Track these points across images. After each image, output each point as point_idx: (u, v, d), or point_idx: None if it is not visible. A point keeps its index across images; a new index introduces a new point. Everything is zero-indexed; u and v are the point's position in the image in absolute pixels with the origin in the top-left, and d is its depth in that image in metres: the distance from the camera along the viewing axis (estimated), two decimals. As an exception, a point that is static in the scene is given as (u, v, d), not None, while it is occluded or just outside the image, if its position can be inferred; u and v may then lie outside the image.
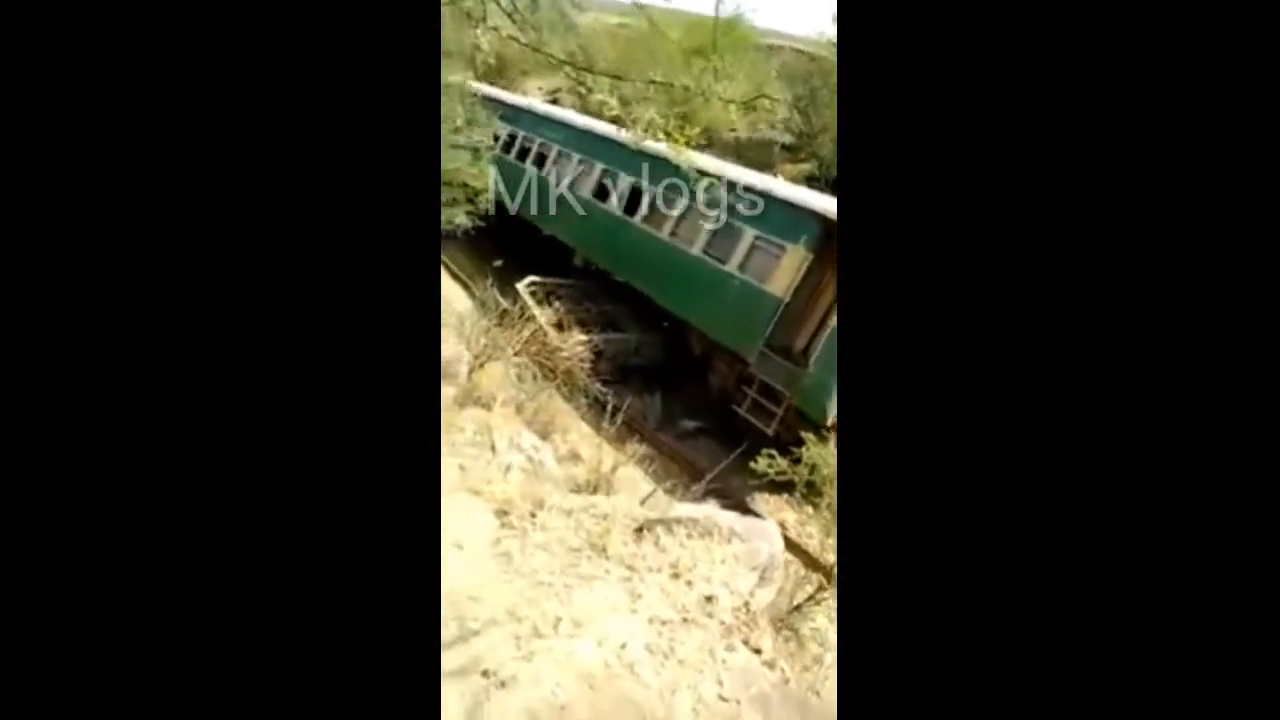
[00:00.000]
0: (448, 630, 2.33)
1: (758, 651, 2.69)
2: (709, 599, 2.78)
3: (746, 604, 2.89)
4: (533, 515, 3.02)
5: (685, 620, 2.62)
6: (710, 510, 3.47)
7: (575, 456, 5.66)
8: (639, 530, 3.11)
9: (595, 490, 4.59)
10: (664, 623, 2.57)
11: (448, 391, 4.07)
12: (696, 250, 8.39)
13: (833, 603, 4.12)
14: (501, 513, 3.00)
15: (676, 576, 2.83)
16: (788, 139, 12.81)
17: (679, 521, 3.14)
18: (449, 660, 2.22)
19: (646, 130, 3.41)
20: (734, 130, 12.34)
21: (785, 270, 7.65)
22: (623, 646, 2.40)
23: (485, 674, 2.18)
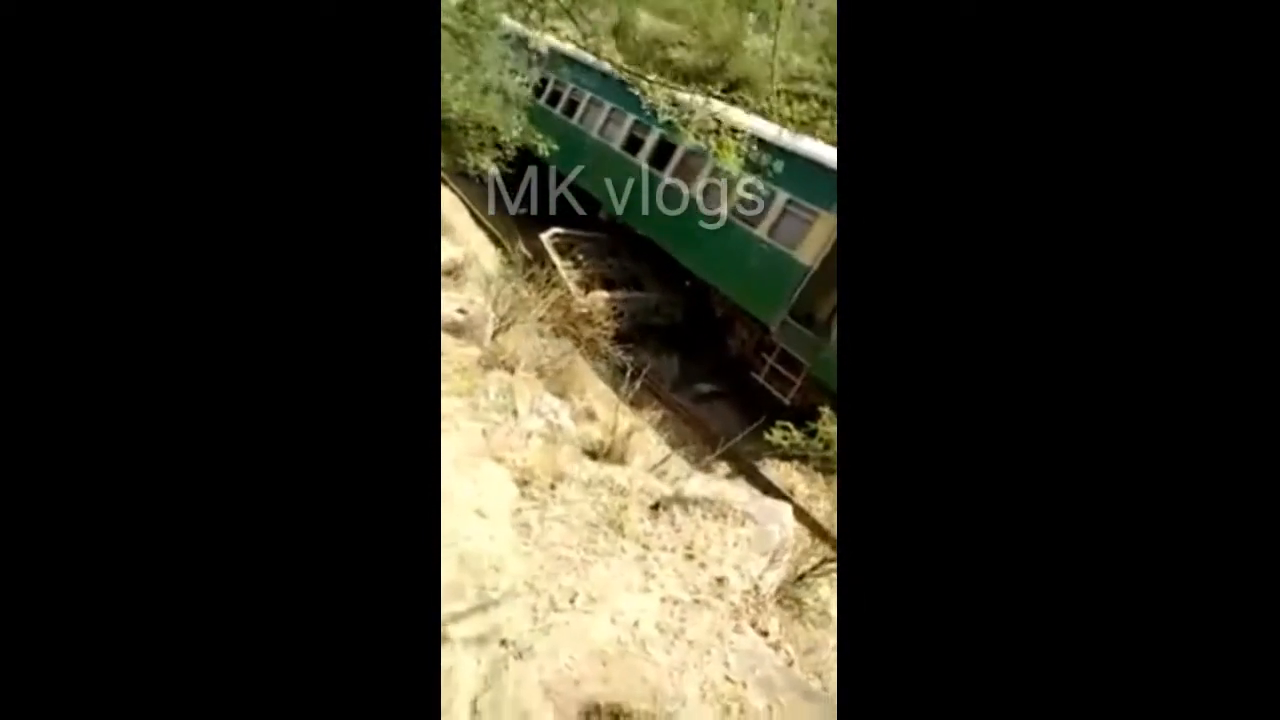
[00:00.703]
0: (468, 597, 2.42)
1: (764, 634, 2.78)
2: (720, 580, 2.85)
3: (756, 587, 2.96)
4: (552, 487, 3.08)
5: (696, 601, 2.70)
6: (724, 488, 3.52)
7: (592, 416, 5.72)
8: (655, 507, 3.17)
9: (609, 453, 4.67)
10: (675, 602, 2.65)
11: (472, 353, 4.10)
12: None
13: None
14: (522, 482, 3.06)
15: (690, 557, 2.90)
16: (829, 93, 12.26)
17: (695, 501, 3.19)
18: (469, 627, 2.32)
19: (697, 137, 3.29)
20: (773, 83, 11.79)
21: (816, 237, 7.45)
22: (635, 624, 2.49)
23: (503, 644, 2.28)
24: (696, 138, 3.38)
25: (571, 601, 2.49)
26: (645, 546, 2.87)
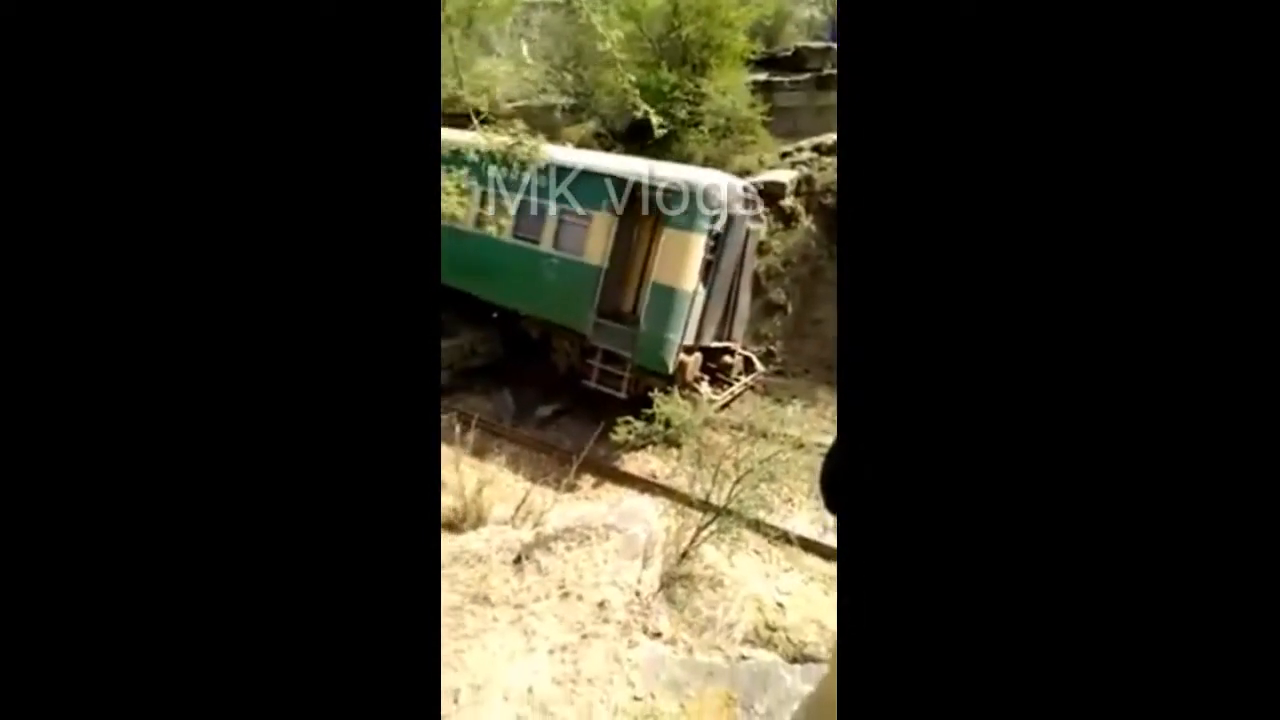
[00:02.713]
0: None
1: (658, 635, 2.84)
2: (601, 605, 2.85)
3: (637, 592, 3.00)
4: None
5: (584, 636, 2.67)
6: (584, 511, 3.52)
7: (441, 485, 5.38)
8: (517, 560, 3.07)
9: (466, 518, 4.44)
10: (564, 648, 2.59)
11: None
12: (507, 238, 8.14)
13: (719, 534, 4.44)
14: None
15: (566, 595, 2.86)
16: (567, 101, 12.66)
17: (556, 537, 3.15)
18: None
19: None
20: (512, 101, 11.88)
21: (596, 238, 7.70)
22: (530, 690, 2.40)
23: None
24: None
25: (455, 701, 2.33)
26: (518, 606, 2.77)
